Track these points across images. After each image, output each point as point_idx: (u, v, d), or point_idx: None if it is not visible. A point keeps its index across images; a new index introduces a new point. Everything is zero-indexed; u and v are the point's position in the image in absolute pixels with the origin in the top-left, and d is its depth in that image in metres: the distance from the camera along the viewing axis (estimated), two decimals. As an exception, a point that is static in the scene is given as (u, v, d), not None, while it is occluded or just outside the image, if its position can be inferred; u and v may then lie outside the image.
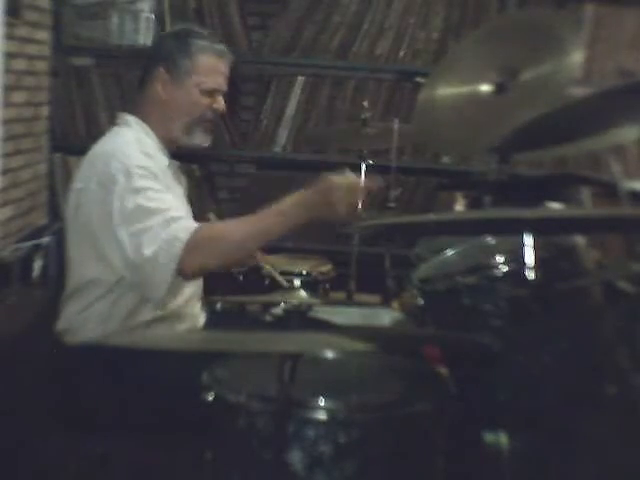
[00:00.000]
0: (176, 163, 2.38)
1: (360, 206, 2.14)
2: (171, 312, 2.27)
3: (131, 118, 2.31)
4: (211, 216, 2.55)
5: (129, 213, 2.10)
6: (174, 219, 2.10)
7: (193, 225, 2.11)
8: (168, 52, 2.30)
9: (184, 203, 2.35)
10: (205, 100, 2.30)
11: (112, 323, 2.21)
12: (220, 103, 2.32)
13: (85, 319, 2.23)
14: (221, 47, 2.34)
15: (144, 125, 2.30)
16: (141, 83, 2.34)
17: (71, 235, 2.28)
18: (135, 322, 2.22)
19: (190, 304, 2.35)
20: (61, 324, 2.28)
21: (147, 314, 2.23)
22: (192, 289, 2.34)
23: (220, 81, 2.32)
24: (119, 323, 2.21)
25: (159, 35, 2.41)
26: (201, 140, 2.34)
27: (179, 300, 2.29)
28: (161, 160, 2.29)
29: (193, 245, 2.06)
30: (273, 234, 2.15)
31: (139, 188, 2.12)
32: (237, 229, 2.16)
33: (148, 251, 2.07)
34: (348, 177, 2.16)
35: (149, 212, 2.09)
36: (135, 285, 2.17)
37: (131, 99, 2.37)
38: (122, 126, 2.31)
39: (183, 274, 2.11)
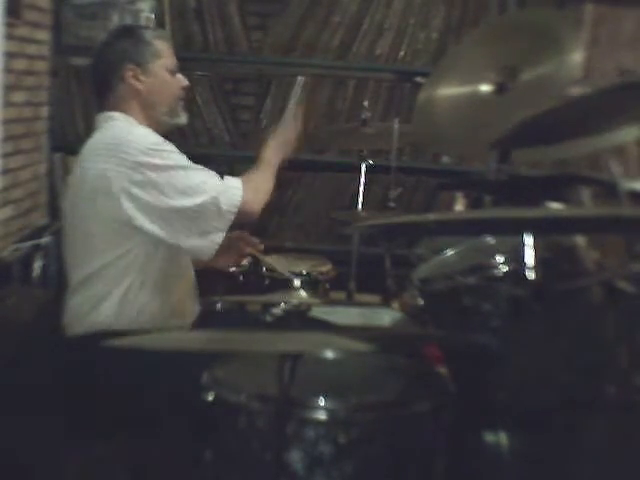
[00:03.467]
0: None
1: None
2: (167, 308, 2.31)
3: (116, 114, 2.38)
4: None
5: (174, 182, 2.24)
6: (214, 174, 2.34)
7: (238, 182, 2.37)
8: (129, 48, 2.41)
9: None
10: (174, 79, 2.45)
11: (125, 309, 2.26)
12: (184, 79, 2.48)
13: (96, 306, 2.27)
14: (163, 31, 2.64)
15: (130, 118, 2.38)
16: (106, 88, 2.42)
17: (82, 225, 2.31)
18: (145, 312, 2.27)
19: (187, 300, 2.40)
20: (67, 316, 2.31)
21: (143, 303, 2.28)
22: (187, 286, 2.40)
23: (175, 59, 2.48)
24: (130, 310, 2.26)
25: (106, 40, 2.48)
26: (183, 118, 2.48)
27: (175, 297, 2.34)
28: None
29: (248, 188, 2.35)
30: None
31: (170, 158, 2.26)
32: (264, 174, 2.50)
33: (200, 199, 2.26)
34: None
35: (189, 169, 2.29)
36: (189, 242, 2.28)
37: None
38: (111, 122, 2.37)
39: (245, 215, 2.34)
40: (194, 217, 2.25)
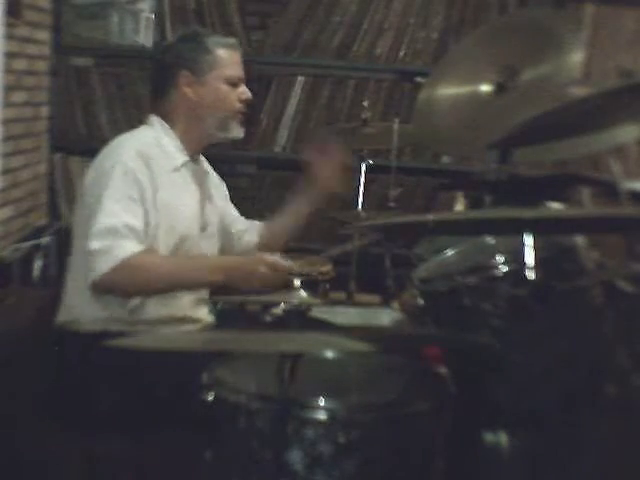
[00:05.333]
0: (198, 165, 2.43)
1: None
2: (176, 314, 2.29)
3: (155, 118, 2.37)
4: None
5: (95, 204, 2.17)
6: (123, 234, 2.14)
7: (135, 248, 2.14)
8: (186, 54, 2.35)
9: (192, 205, 2.37)
10: (233, 92, 2.37)
11: (116, 316, 2.23)
12: (246, 92, 2.39)
13: (82, 306, 2.26)
14: (231, 40, 2.45)
15: (165, 125, 2.35)
16: (159, 91, 2.38)
17: (75, 225, 2.32)
18: (138, 319, 2.24)
19: (196, 308, 2.37)
20: (61, 315, 2.31)
21: (151, 312, 2.25)
22: (198, 293, 2.36)
23: (240, 70, 2.40)
24: (122, 318, 2.23)
25: (169, 42, 2.47)
26: (236, 132, 2.41)
27: (184, 303, 2.31)
28: (175, 159, 2.32)
29: (120, 269, 2.11)
30: (193, 287, 2.30)
31: (112, 186, 2.17)
32: (164, 270, 2.22)
33: (94, 246, 2.12)
34: (275, 264, 2.22)
35: (109, 213, 2.15)
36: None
37: (142, 102, 2.46)
38: (145, 125, 2.37)
39: (95, 288, 2.15)
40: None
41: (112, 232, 2.13)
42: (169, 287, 2.25)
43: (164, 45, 2.49)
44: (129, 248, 2.13)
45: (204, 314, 2.40)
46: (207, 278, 2.25)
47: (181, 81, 2.33)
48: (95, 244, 2.12)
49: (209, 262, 2.31)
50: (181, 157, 2.34)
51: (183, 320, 2.31)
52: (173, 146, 2.33)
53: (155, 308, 2.25)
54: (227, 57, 2.37)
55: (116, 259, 2.11)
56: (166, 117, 2.35)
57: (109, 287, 2.16)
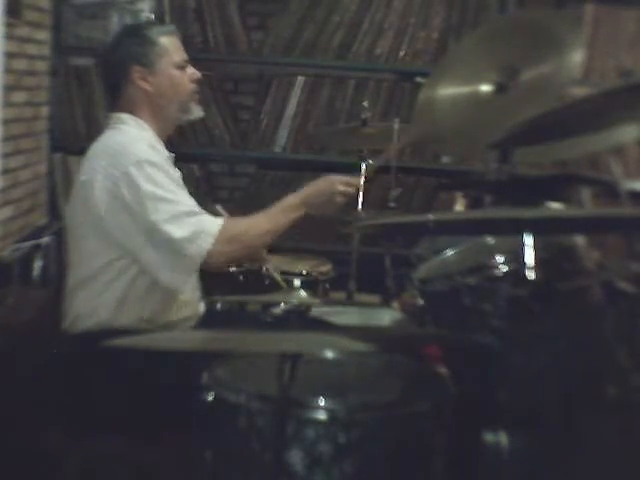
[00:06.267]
0: (172, 155, 2.46)
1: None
2: (169, 307, 2.32)
3: (126, 116, 2.38)
4: (219, 209, 2.62)
5: (150, 201, 2.20)
6: (196, 212, 2.25)
7: (219, 220, 2.27)
8: (134, 49, 2.39)
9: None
10: (184, 75, 2.43)
11: (126, 307, 2.26)
12: (195, 72, 2.46)
13: (96, 306, 2.27)
14: (170, 26, 2.54)
15: (139, 121, 2.37)
16: (115, 90, 2.42)
17: (78, 227, 2.32)
18: (147, 308, 2.27)
19: (193, 292, 2.40)
20: (69, 318, 2.30)
21: (158, 299, 2.29)
22: (189, 285, 2.38)
23: (184, 53, 2.46)
24: (132, 307, 2.26)
25: (113, 41, 2.48)
26: (196, 113, 2.48)
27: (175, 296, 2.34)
28: (162, 152, 2.37)
29: (222, 239, 2.23)
30: (283, 229, 2.39)
31: (155, 180, 2.22)
32: (257, 225, 2.36)
33: (180, 233, 2.20)
34: (342, 178, 2.43)
35: (168, 201, 2.22)
36: (156, 268, 2.24)
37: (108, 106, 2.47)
38: (120, 124, 2.37)
39: (209, 265, 2.26)
40: (161, 247, 2.22)
41: (184, 216, 2.22)
42: (267, 240, 2.40)
43: (109, 44, 2.50)
44: (214, 221, 2.25)
45: (198, 298, 2.45)
46: (293, 217, 2.37)
47: (135, 76, 2.37)
48: (178, 232, 2.19)
49: (287, 203, 2.39)
50: (162, 147, 2.39)
51: (185, 304, 2.36)
52: (154, 139, 2.37)
53: (148, 298, 2.29)
54: (171, 44, 2.42)
55: (214, 233, 2.22)
56: (130, 113, 2.38)
57: (219, 261, 2.28)
